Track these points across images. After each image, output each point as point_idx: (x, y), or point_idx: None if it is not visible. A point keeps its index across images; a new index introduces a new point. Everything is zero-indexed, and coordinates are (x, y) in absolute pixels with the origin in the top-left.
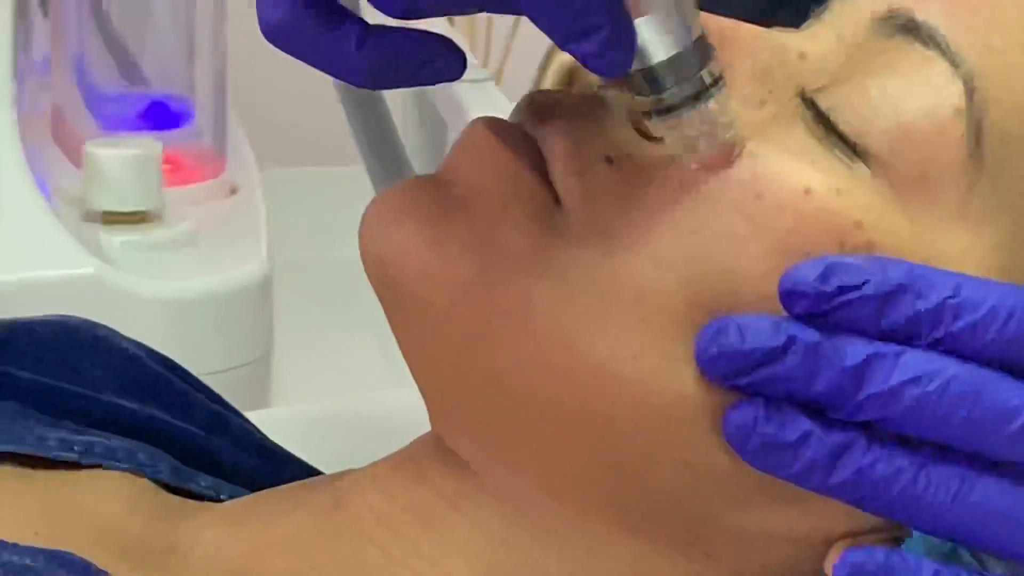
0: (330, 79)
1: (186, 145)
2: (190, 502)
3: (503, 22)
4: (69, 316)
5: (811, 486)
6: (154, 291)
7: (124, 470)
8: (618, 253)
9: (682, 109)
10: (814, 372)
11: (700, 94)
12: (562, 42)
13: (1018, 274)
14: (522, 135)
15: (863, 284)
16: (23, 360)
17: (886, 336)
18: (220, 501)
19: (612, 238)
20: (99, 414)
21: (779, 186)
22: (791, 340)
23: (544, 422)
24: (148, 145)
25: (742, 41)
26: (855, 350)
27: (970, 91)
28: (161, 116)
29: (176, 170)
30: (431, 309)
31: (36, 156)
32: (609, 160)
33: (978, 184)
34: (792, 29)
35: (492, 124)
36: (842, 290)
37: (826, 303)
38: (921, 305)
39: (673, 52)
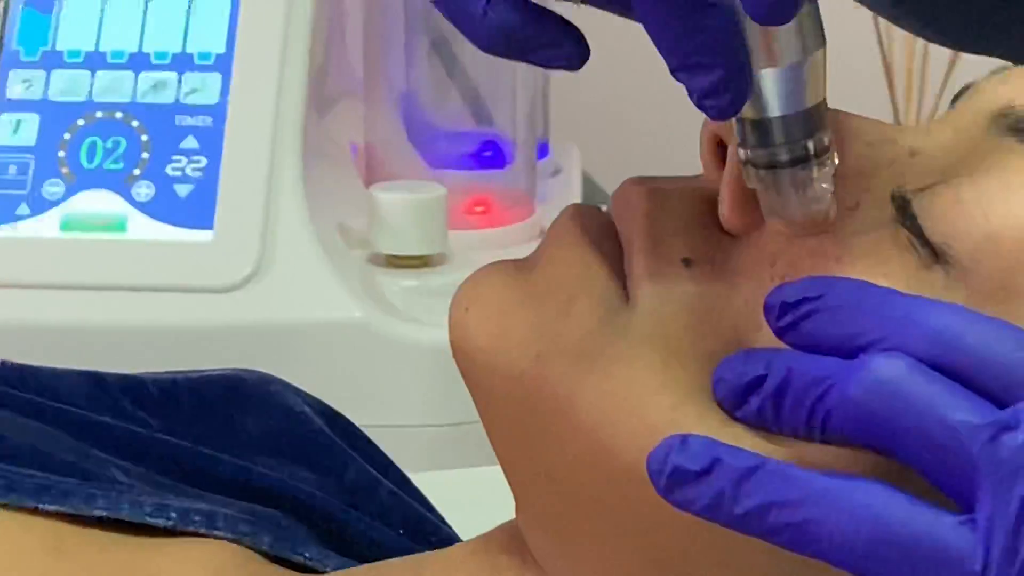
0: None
1: (502, 186)
2: (293, 573)
3: None
4: (246, 372)
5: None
6: (424, 338)
7: (223, 538)
8: (672, 359)
9: (781, 170)
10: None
11: (802, 160)
12: (674, 70)
13: None
14: (608, 226)
15: (820, 297)
16: (179, 417)
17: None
18: (323, 573)
19: (671, 343)
20: (229, 475)
21: None
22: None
23: (595, 519)
24: (432, 189)
25: (853, 132)
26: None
27: None
28: (489, 156)
29: (487, 212)
30: (493, 397)
31: (331, 193)
32: (687, 262)
33: None
34: (907, 127)
35: (580, 212)
36: (803, 302)
37: (792, 315)
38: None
39: (788, 111)
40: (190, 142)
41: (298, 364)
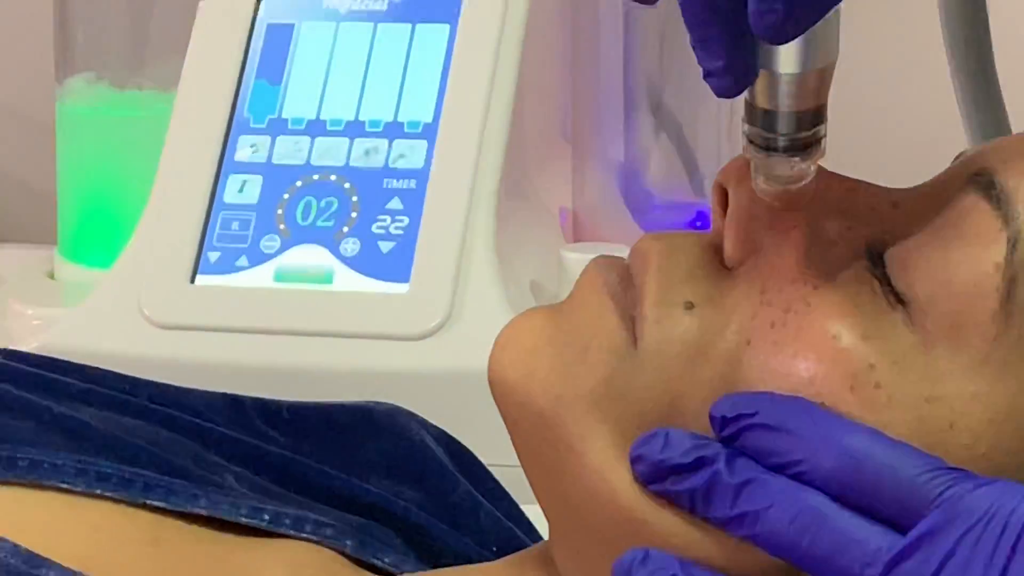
0: None
1: None
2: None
3: None
4: (378, 404)
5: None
6: None
7: (310, 541)
8: (673, 399)
9: (783, 155)
10: (710, 489)
11: (797, 150)
12: (692, 44)
13: None
14: (625, 274)
15: (754, 414)
16: (306, 437)
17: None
18: None
19: (673, 384)
20: (335, 488)
21: (815, 339)
22: (700, 460)
23: (605, 550)
24: (623, 252)
25: (834, 182)
26: (740, 471)
27: (1012, 247)
28: (700, 227)
29: None
30: (521, 429)
31: (527, 252)
32: (689, 305)
33: (1006, 335)
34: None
35: (602, 263)
36: (740, 417)
37: (730, 428)
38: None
39: (791, 109)
40: (395, 203)
41: (480, 408)
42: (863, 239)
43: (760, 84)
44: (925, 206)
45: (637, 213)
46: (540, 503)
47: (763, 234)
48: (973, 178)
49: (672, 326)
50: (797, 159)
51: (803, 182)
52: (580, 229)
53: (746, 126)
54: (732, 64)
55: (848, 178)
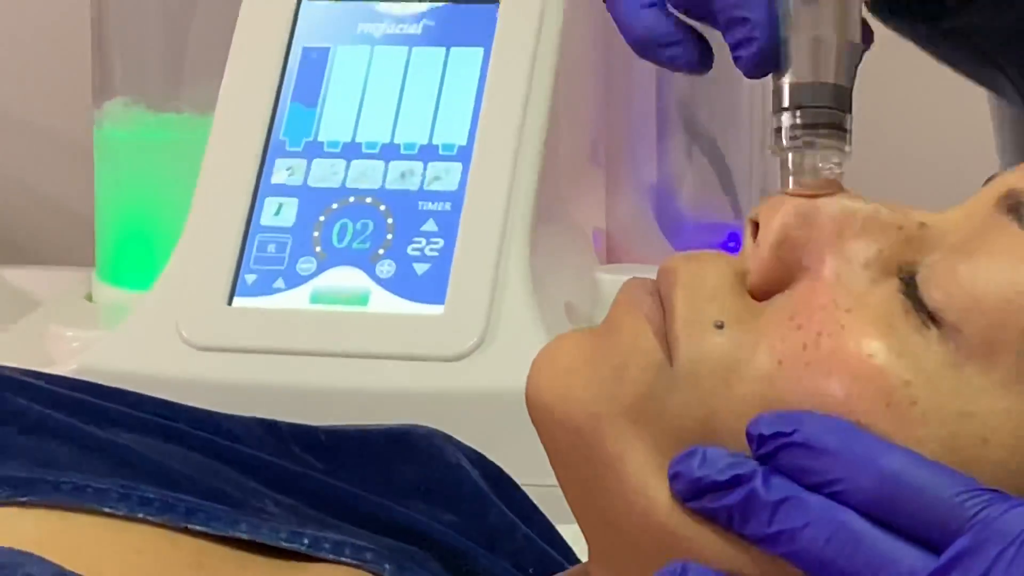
0: None
1: None
2: None
3: None
4: (415, 427)
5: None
6: None
7: (349, 565)
8: (708, 416)
9: (812, 132)
10: (747, 507)
11: (837, 127)
12: (722, 26)
13: None
14: (657, 294)
15: (792, 432)
16: (343, 461)
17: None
18: None
19: (708, 401)
20: (372, 513)
21: (849, 358)
22: (737, 478)
23: (644, 566)
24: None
25: (861, 208)
26: (777, 489)
27: None
28: (733, 247)
29: None
30: (559, 448)
31: (562, 274)
32: (720, 325)
33: None
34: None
35: (635, 284)
36: (777, 435)
37: (768, 446)
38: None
39: (817, 80)
40: (430, 225)
41: (515, 428)
42: (894, 261)
43: (804, 56)
44: (954, 227)
45: (670, 234)
46: (579, 522)
47: (793, 266)
48: (1002, 200)
49: (703, 344)
50: (844, 134)
51: (840, 169)
52: (614, 250)
53: (786, 117)
54: (759, 30)
55: (874, 202)
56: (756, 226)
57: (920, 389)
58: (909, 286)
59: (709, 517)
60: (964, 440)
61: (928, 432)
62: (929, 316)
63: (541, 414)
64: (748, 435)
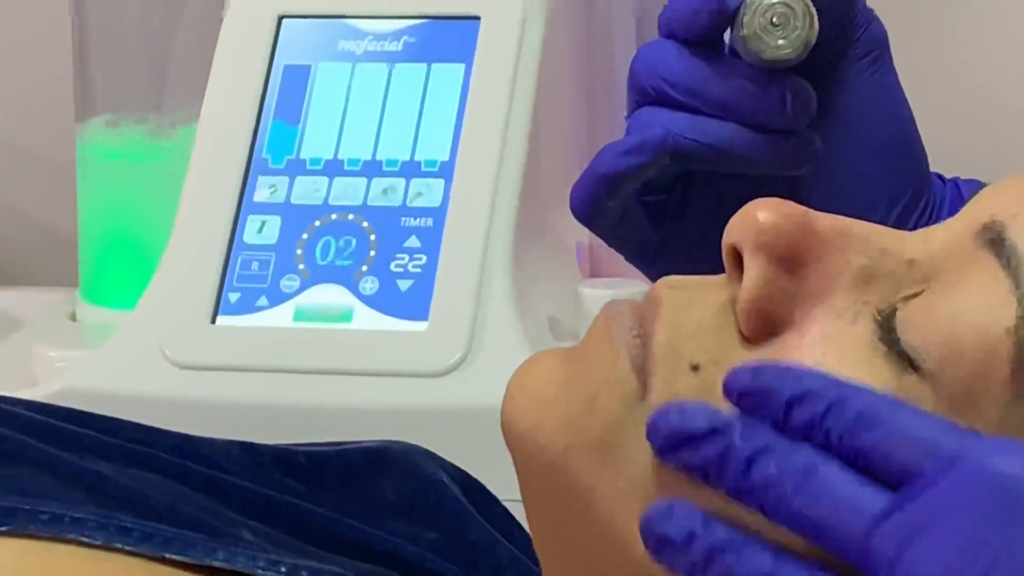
0: None
1: None
2: None
3: None
4: (394, 443)
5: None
6: None
7: None
8: None
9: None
10: (724, 459)
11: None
12: None
13: None
14: (638, 323)
15: (772, 388)
16: (323, 483)
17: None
18: None
19: None
20: (352, 538)
21: None
22: (714, 430)
23: None
24: (638, 287)
25: (851, 247)
26: (755, 438)
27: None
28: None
29: None
30: (529, 478)
31: (545, 289)
32: (695, 368)
33: (1019, 399)
34: (905, 232)
35: (615, 310)
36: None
37: (747, 399)
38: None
39: None
40: (413, 241)
41: (499, 444)
42: (876, 307)
43: None
44: (938, 260)
45: None
46: (539, 551)
47: (779, 315)
48: (984, 230)
49: (675, 385)
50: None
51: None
52: (597, 264)
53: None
54: None
55: (868, 242)
56: (736, 254)
57: None
58: (887, 329)
59: (684, 473)
60: None
61: None
62: (910, 362)
63: (514, 444)
64: (726, 390)
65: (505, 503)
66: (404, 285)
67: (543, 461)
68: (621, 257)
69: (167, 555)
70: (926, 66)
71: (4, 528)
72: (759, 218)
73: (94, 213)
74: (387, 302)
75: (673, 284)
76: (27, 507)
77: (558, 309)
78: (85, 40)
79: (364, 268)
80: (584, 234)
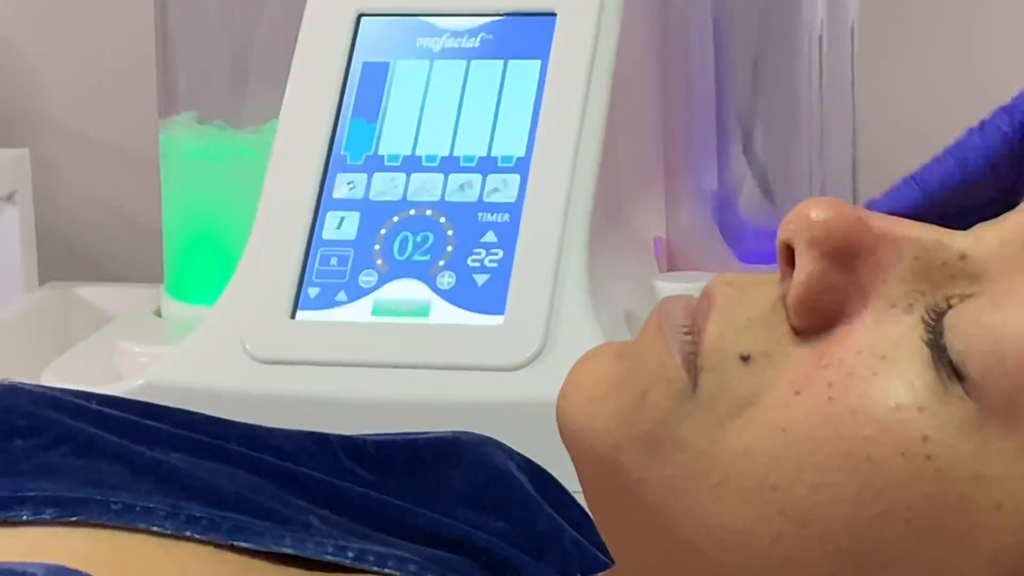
0: None
1: None
2: None
3: None
4: (465, 434)
5: None
6: None
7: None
8: (720, 443)
9: None
10: None
11: None
12: None
13: None
14: (691, 320)
15: None
16: (393, 472)
17: None
18: None
19: (722, 431)
20: (419, 525)
21: (875, 403)
22: None
23: None
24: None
25: (904, 239)
26: None
27: None
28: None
29: None
30: (584, 474)
31: (621, 283)
32: (745, 359)
33: None
34: (959, 231)
35: (669, 306)
36: None
37: None
38: None
39: None
40: (490, 236)
41: None
42: (929, 304)
43: None
44: (995, 258)
45: (731, 242)
46: (606, 540)
47: (831, 309)
48: None
49: (725, 374)
50: None
51: None
52: (675, 259)
53: None
54: None
55: (920, 237)
56: (789, 251)
57: (937, 446)
58: (935, 332)
59: None
60: (976, 503)
61: (939, 490)
62: (953, 368)
63: (569, 440)
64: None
65: (576, 494)
66: (480, 280)
67: (595, 457)
68: (697, 250)
69: (236, 543)
70: (940, 66)
71: (75, 518)
72: (812, 216)
73: (177, 210)
74: (464, 297)
75: (727, 281)
76: (99, 497)
77: (634, 303)
78: (167, 37)
79: (441, 263)
80: (662, 228)
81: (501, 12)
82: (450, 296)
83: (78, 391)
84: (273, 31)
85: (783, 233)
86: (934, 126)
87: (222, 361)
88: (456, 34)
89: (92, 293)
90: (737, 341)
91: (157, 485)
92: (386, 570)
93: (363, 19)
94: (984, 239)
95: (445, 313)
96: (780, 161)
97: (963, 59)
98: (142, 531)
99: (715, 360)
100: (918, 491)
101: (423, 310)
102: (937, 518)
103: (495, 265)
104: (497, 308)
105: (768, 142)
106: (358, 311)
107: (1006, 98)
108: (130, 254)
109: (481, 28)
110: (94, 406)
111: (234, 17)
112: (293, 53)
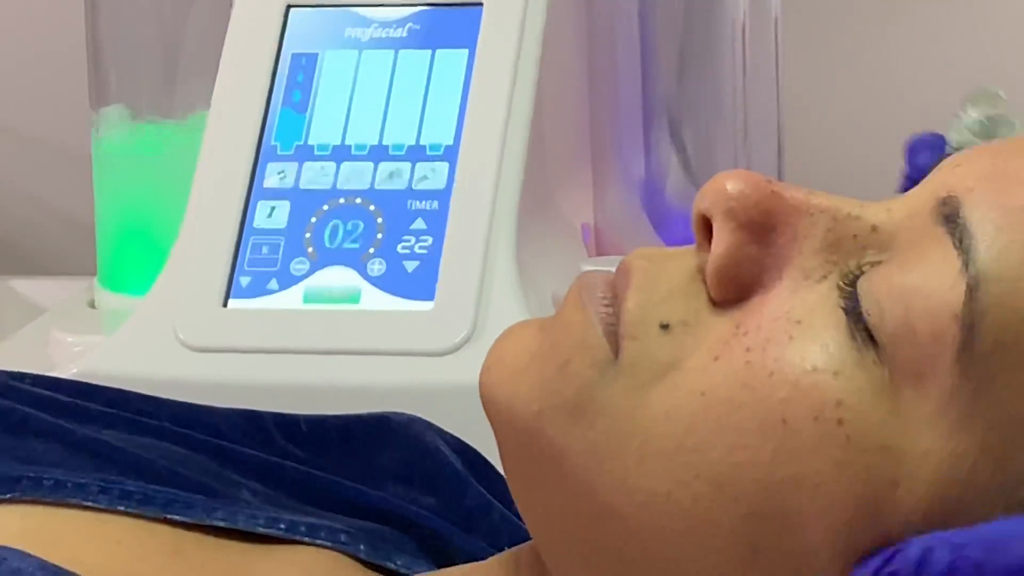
0: None
1: None
2: None
3: None
4: (398, 414)
5: None
6: None
7: (325, 547)
8: (642, 408)
9: None
10: None
11: None
12: None
13: (971, 491)
14: (610, 292)
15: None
16: (324, 450)
17: None
18: None
19: (644, 396)
20: (349, 498)
21: (791, 366)
22: None
23: (586, 555)
24: None
25: (817, 210)
26: None
27: (971, 294)
28: None
29: None
30: (507, 446)
31: (549, 268)
32: (664, 327)
33: (962, 389)
34: (871, 203)
35: (588, 279)
36: None
37: None
38: None
39: None
40: (419, 224)
41: None
42: (842, 272)
43: None
44: (904, 229)
45: (658, 227)
46: (523, 515)
47: (748, 280)
48: (942, 204)
49: (646, 342)
50: None
51: None
52: (603, 244)
53: None
54: None
55: (833, 207)
56: (706, 222)
57: (849, 411)
58: (852, 299)
59: None
60: (877, 477)
61: (847, 458)
62: (868, 334)
63: (491, 412)
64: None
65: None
66: (410, 266)
67: (518, 427)
68: (625, 236)
69: (168, 516)
70: (862, 56)
71: (9, 495)
72: (727, 187)
73: (109, 201)
74: (394, 283)
75: (644, 255)
76: (31, 474)
77: (563, 288)
78: (97, 29)
79: (371, 250)
80: (590, 215)
81: (428, 2)
82: (380, 283)
83: (12, 372)
84: (203, 22)
85: (699, 204)
86: (857, 115)
87: (155, 350)
88: (384, 24)
89: (25, 286)
90: (657, 311)
91: (91, 461)
92: (318, 541)
93: (292, 10)
94: (893, 210)
95: (376, 299)
96: (706, 149)
97: (886, 50)
98: (76, 506)
99: (636, 329)
100: (828, 456)
101: (354, 297)
102: (845, 485)
103: (424, 252)
104: (427, 294)
105: (694, 130)
106: (289, 299)
107: (926, 86)
108: (63, 247)
109: (409, 18)
110: (27, 386)
111: (164, 8)
112: (223, 44)
